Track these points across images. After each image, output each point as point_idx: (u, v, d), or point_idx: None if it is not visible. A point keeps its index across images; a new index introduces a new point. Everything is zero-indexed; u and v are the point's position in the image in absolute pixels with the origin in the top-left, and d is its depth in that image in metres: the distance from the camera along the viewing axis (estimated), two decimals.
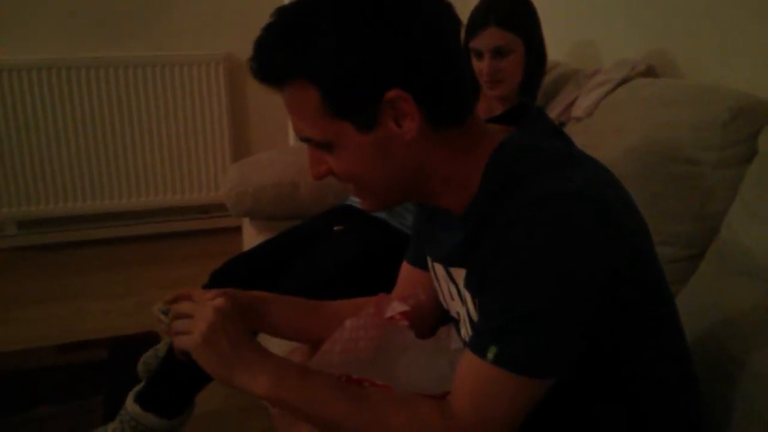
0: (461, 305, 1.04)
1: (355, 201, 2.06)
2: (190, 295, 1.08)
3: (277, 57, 0.88)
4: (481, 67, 1.85)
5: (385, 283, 1.25)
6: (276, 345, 1.37)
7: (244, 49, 3.02)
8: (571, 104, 1.93)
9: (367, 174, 0.94)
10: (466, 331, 1.04)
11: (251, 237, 2.30)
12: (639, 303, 0.91)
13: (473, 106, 0.96)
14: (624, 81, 1.82)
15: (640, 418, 0.96)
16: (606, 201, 0.87)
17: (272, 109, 3.21)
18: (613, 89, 1.81)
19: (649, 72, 1.87)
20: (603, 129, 1.72)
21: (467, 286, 0.97)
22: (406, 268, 1.23)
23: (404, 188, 0.97)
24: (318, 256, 1.80)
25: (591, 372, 0.91)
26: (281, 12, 0.90)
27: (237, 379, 0.94)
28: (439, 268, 1.06)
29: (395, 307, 1.13)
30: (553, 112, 1.95)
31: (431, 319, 1.19)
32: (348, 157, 0.92)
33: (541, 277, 0.83)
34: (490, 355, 0.84)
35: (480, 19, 1.83)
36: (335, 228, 1.96)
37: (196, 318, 0.96)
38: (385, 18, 0.85)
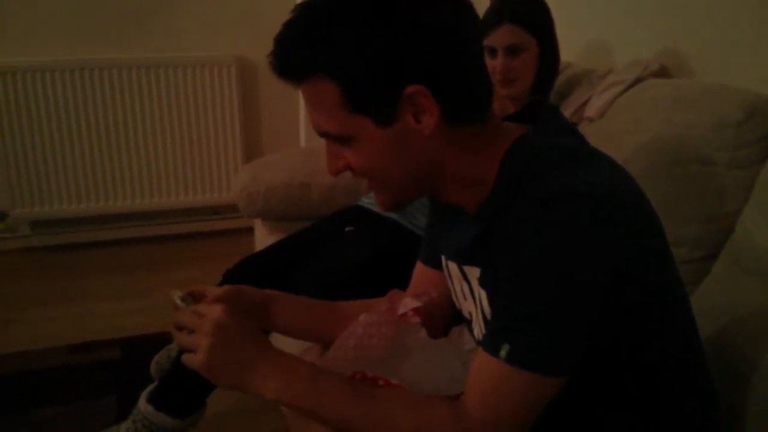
0: (473, 305, 1.04)
1: (365, 202, 2.06)
2: (204, 291, 1.09)
3: (296, 53, 0.89)
4: (494, 65, 1.84)
5: (397, 284, 1.25)
6: (289, 344, 1.37)
7: (256, 50, 3.03)
8: (584, 104, 1.92)
9: (384, 168, 0.94)
10: (479, 330, 1.04)
11: (263, 237, 2.31)
12: (643, 304, 0.90)
13: (490, 104, 0.96)
14: (637, 81, 1.81)
15: (644, 420, 0.96)
16: (616, 201, 0.86)
17: (284, 111, 3.23)
18: (626, 89, 1.81)
19: (662, 72, 1.87)
20: (615, 129, 1.71)
21: (482, 284, 0.97)
22: (419, 268, 1.23)
23: (420, 183, 0.97)
24: (330, 257, 1.80)
25: (594, 373, 0.91)
26: (301, 8, 0.90)
27: (247, 386, 0.94)
28: (453, 267, 1.06)
29: (408, 303, 1.13)
30: (566, 113, 1.94)
31: (444, 318, 1.19)
32: (366, 151, 0.92)
33: (545, 276, 0.83)
34: (503, 353, 0.84)
35: (495, 16, 1.83)
36: (346, 229, 1.96)
37: (197, 334, 0.95)
38: (404, 14, 0.86)
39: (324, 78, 0.88)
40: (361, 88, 0.88)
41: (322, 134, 0.94)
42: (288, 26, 0.90)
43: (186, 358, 0.96)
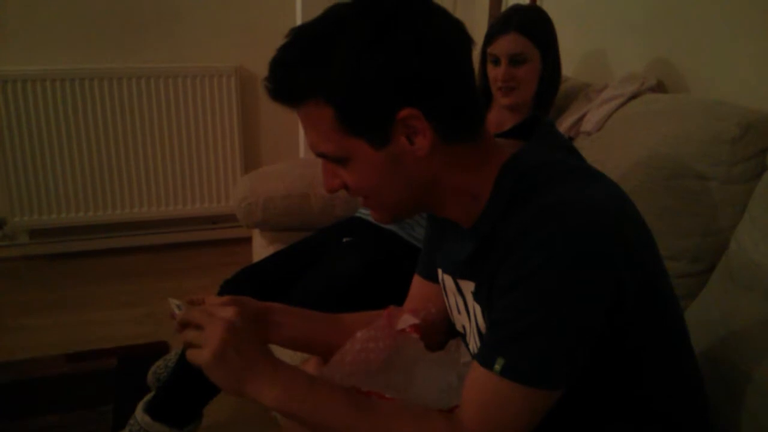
0: (467, 319, 1.04)
1: (364, 213, 2.07)
2: (204, 300, 1.09)
3: (292, 78, 0.90)
4: (496, 73, 1.87)
5: (396, 296, 1.25)
6: (287, 356, 1.37)
7: (255, 61, 3.04)
8: (581, 119, 1.94)
9: (380, 188, 0.95)
10: (474, 344, 1.05)
11: (261, 248, 2.31)
12: (643, 317, 0.91)
13: (483, 122, 0.97)
14: (633, 96, 1.83)
15: (643, 430, 0.96)
16: (614, 214, 0.88)
17: (283, 122, 3.24)
18: (623, 104, 1.82)
19: (659, 87, 1.88)
20: (612, 143, 1.72)
21: (477, 298, 0.98)
22: (417, 281, 1.24)
23: (416, 201, 0.98)
24: (328, 269, 1.80)
25: (595, 385, 0.92)
26: (296, 33, 0.91)
27: (247, 390, 0.94)
28: (449, 281, 1.07)
29: (406, 319, 1.14)
30: (563, 127, 1.95)
31: (441, 332, 1.19)
32: (361, 171, 0.93)
33: (548, 285, 0.83)
34: (498, 366, 0.85)
35: (502, 25, 1.86)
36: (344, 240, 1.97)
37: (206, 332, 0.94)
38: (397, 39, 0.86)
39: (320, 102, 0.89)
40: (356, 113, 0.89)
41: (319, 155, 0.95)
42: (283, 51, 0.91)
43: (191, 354, 0.95)
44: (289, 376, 0.96)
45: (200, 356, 0.93)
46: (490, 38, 1.89)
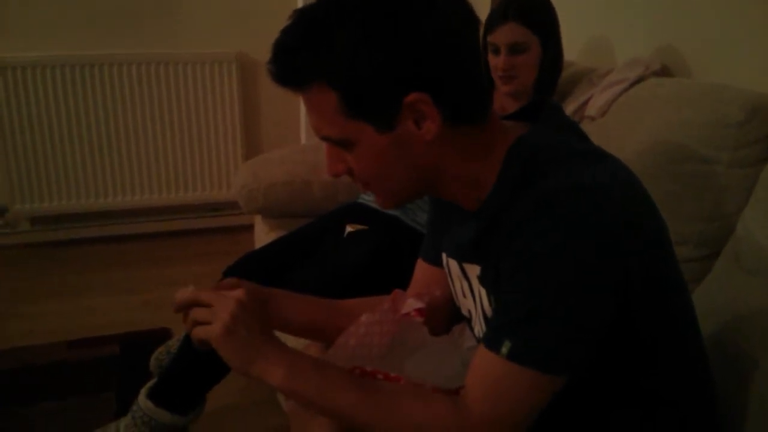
0: (473, 303, 1.04)
1: (366, 199, 2.06)
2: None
3: (296, 61, 0.88)
4: (496, 62, 1.86)
5: (399, 281, 1.25)
6: (289, 342, 1.36)
7: (256, 47, 3.03)
8: (585, 103, 1.93)
9: (385, 172, 0.94)
10: (479, 328, 1.04)
11: (263, 234, 2.31)
12: (651, 303, 0.90)
13: (490, 104, 0.96)
14: (638, 80, 1.81)
15: (653, 420, 0.96)
16: (623, 197, 0.87)
17: (284, 108, 3.23)
18: (628, 88, 1.81)
19: (663, 71, 1.87)
20: (616, 128, 1.71)
21: (482, 281, 0.97)
22: (421, 265, 1.23)
23: (421, 185, 0.97)
24: (331, 254, 1.80)
25: (603, 373, 0.92)
26: (299, 14, 0.89)
27: (254, 369, 0.93)
28: (453, 264, 1.07)
29: (411, 303, 1.13)
30: (567, 111, 1.94)
31: (446, 316, 1.19)
32: (367, 155, 0.92)
33: (554, 271, 0.83)
34: (504, 349, 0.84)
35: (500, 14, 1.85)
36: (348, 229, 1.96)
37: (217, 308, 0.94)
38: (403, 23, 0.85)
39: (324, 86, 0.87)
40: (361, 96, 0.87)
41: (324, 138, 0.94)
42: (286, 33, 0.89)
43: (199, 330, 0.95)
44: (295, 357, 0.96)
45: (210, 331, 0.93)
46: (489, 27, 1.87)
